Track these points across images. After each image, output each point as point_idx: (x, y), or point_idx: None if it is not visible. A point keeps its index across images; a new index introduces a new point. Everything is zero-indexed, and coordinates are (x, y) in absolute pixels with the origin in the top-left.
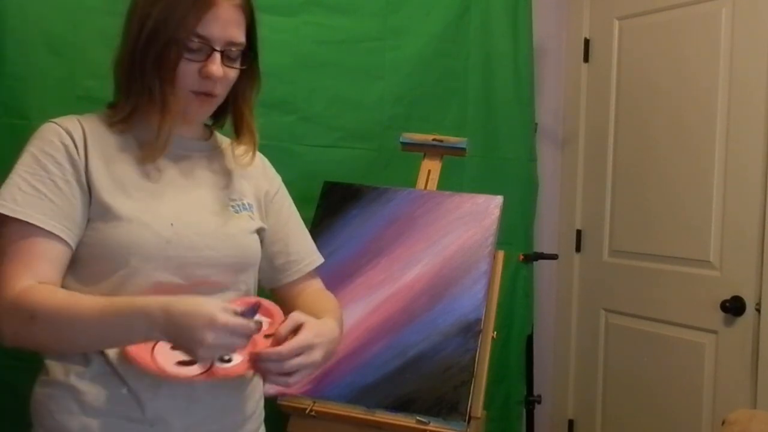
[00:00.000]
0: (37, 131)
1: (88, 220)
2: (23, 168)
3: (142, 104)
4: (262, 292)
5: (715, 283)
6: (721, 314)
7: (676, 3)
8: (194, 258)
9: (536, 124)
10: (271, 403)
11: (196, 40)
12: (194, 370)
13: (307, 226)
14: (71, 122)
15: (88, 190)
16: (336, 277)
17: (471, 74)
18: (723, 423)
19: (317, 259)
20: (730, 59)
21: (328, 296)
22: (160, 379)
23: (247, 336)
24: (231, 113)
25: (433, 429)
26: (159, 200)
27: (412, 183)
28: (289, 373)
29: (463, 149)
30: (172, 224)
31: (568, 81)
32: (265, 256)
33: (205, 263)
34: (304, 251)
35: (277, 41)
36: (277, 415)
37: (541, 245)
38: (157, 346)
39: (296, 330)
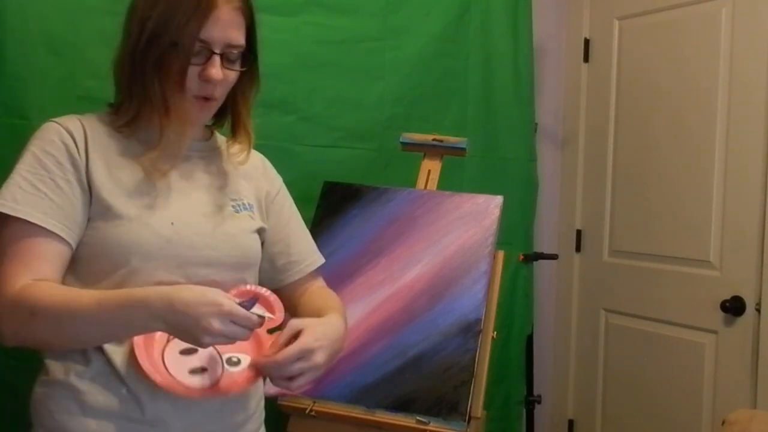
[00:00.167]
0: (38, 131)
1: (89, 220)
2: (24, 167)
3: (144, 108)
4: None
5: (715, 283)
6: (721, 314)
7: (676, 3)
8: (194, 257)
9: (536, 124)
10: (271, 403)
11: (196, 44)
12: (204, 381)
13: (307, 226)
14: (72, 122)
15: (89, 190)
16: (336, 277)
17: (471, 74)
18: (723, 423)
19: (318, 259)
20: (730, 59)
21: (331, 294)
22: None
23: (250, 327)
24: (230, 112)
25: (433, 429)
26: (159, 200)
27: (412, 183)
28: (292, 378)
29: (463, 149)
30: (172, 223)
31: (568, 81)
32: (266, 257)
33: (205, 263)
34: (305, 252)
35: (277, 41)
36: (277, 415)
37: (541, 245)
38: (166, 353)
39: (297, 335)
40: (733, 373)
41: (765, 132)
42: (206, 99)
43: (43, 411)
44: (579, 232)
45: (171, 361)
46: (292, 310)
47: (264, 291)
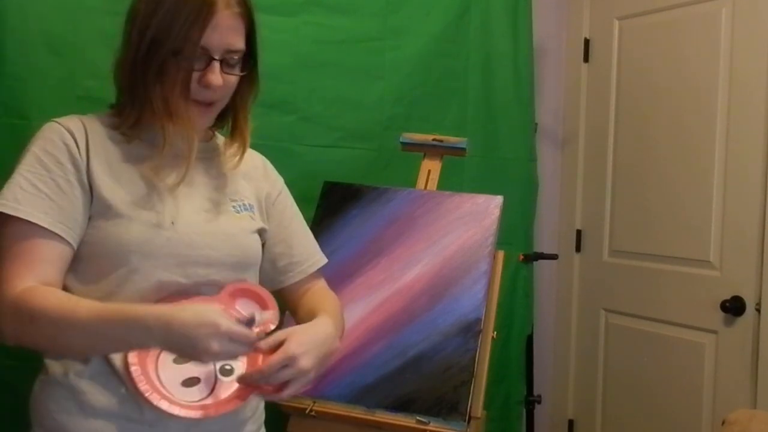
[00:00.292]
0: (40, 131)
1: (90, 219)
2: (25, 167)
3: (146, 113)
4: None
5: (715, 283)
6: (721, 314)
7: (676, 3)
8: (195, 257)
9: (536, 124)
10: (271, 403)
11: (197, 50)
12: (199, 393)
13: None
14: (73, 122)
15: (90, 190)
16: (336, 277)
17: (471, 74)
18: (723, 423)
19: (321, 259)
20: (730, 59)
21: (328, 295)
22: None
23: (249, 344)
24: (230, 117)
25: (433, 429)
26: (160, 200)
27: (412, 183)
28: (282, 387)
29: (463, 149)
30: (172, 223)
31: (568, 81)
32: (267, 258)
33: (205, 262)
34: (306, 252)
35: (277, 41)
36: (277, 415)
37: (541, 245)
38: (160, 362)
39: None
40: (733, 373)
41: (765, 132)
42: (207, 104)
43: (43, 411)
44: (579, 232)
45: (165, 371)
46: (293, 311)
47: (258, 288)
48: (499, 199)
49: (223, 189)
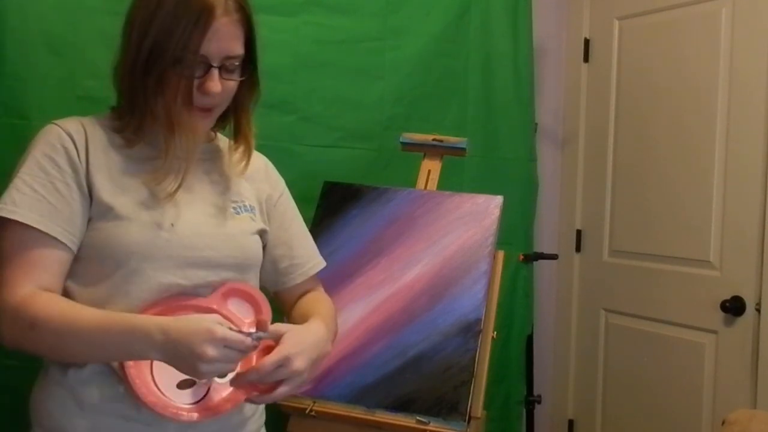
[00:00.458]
0: (39, 133)
1: (90, 220)
2: (24, 171)
3: (146, 121)
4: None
5: (715, 283)
6: (721, 314)
7: (676, 3)
8: (195, 258)
9: (536, 124)
10: (271, 403)
11: (197, 59)
12: (193, 396)
13: (307, 226)
14: (73, 124)
15: (89, 193)
16: (336, 277)
17: (471, 74)
18: (723, 423)
19: (320, 262)
20: (730, 59)
21: (323, 299)
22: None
23: (244, 350)
24: (232, 119)
25: (433, 429)
26: (160, 202)
27: (412, 183)
28: (274, 388)
29: (463, 149)
30: (172, 224)
31: (568, 81)
32: (269, 260)
33: (205, 264)
34: (307, 254)
35: (277, 41)
36: (277, 415)
37: (541, 245)
38: (155, 363)
39: (277, 340)
40: (733, 373)
41: (765, 132)
42: (206, 109)
43: (42, 411)
44: (579, 232)
45: (160, 374)
46: (287, 312)
47: (250, 288)
48: (499, 199)
49: (224, 190)
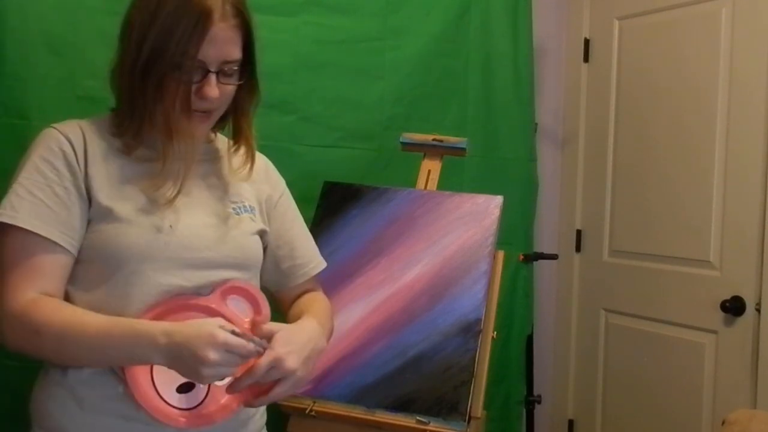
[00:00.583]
0: (38, 137)
1: (89, 223)
2: (23, 176)
3: (145, 126)
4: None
5: (715, 283)
6: (721, 314)
7: (676, 3)
8: (194, 259)
9: (536, 124)
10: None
11: (194, 65)
12: (192, 400)
13: (307, 226)
14: (72, 127)
15: (88, 196)
16: (336, 277)
17: (471, 74)
18: (723, 423)
19: (321, 262)
20: (730, 59)
21: (319, 299)
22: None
23: (246, 355)
24: (231, 122)
25: (433, 429)
26: (159, 204)
27: (412, 183)
28: (269, 390)
29: (463, 149)
30: (171, 226)
31: (568, 81)
32: (270, 261)
33: (205, 264)
34: (308, 255)
35: (277, 41)
36: (277, 415)
37: (541, 245)
38: (155, 368)
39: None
40: (733, 373)
41: (765, 132)
42: (204, 112)
43: (42, 411)
44: (579, 232)
45: (160, 377)
46: (285, 312)
47: (249, 286)
48: (499, 199)
49: (223, 191)
